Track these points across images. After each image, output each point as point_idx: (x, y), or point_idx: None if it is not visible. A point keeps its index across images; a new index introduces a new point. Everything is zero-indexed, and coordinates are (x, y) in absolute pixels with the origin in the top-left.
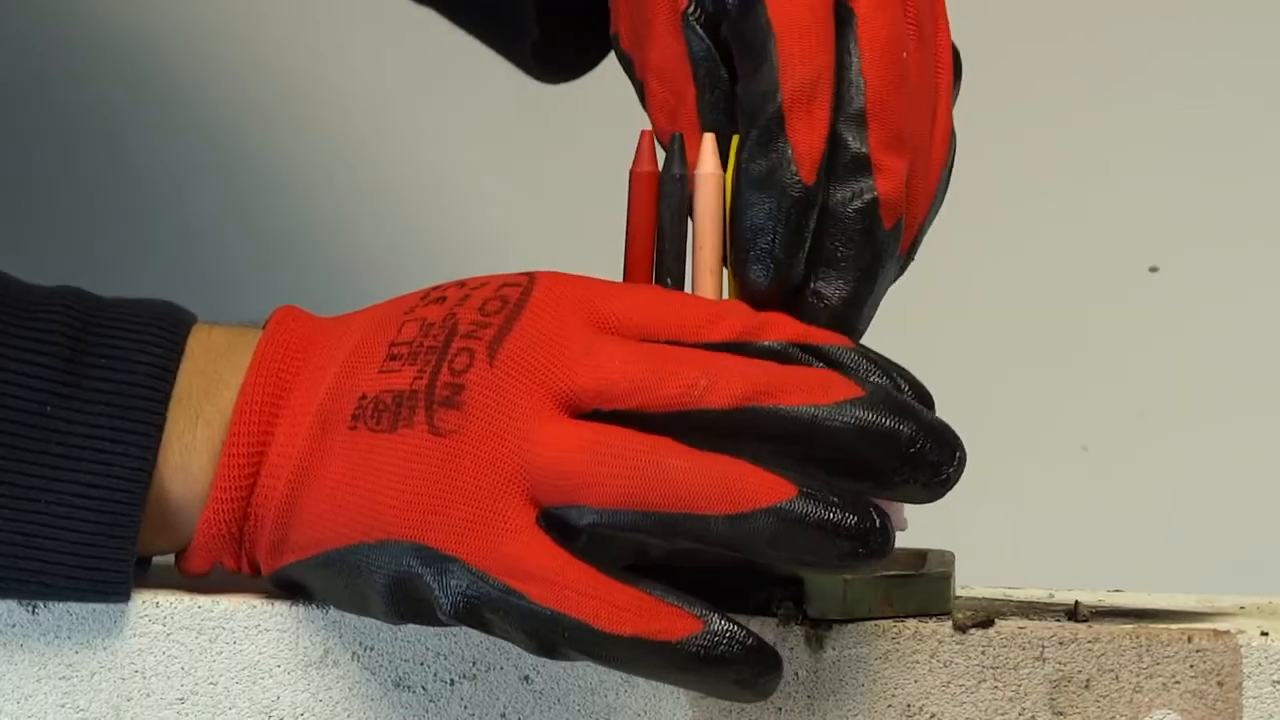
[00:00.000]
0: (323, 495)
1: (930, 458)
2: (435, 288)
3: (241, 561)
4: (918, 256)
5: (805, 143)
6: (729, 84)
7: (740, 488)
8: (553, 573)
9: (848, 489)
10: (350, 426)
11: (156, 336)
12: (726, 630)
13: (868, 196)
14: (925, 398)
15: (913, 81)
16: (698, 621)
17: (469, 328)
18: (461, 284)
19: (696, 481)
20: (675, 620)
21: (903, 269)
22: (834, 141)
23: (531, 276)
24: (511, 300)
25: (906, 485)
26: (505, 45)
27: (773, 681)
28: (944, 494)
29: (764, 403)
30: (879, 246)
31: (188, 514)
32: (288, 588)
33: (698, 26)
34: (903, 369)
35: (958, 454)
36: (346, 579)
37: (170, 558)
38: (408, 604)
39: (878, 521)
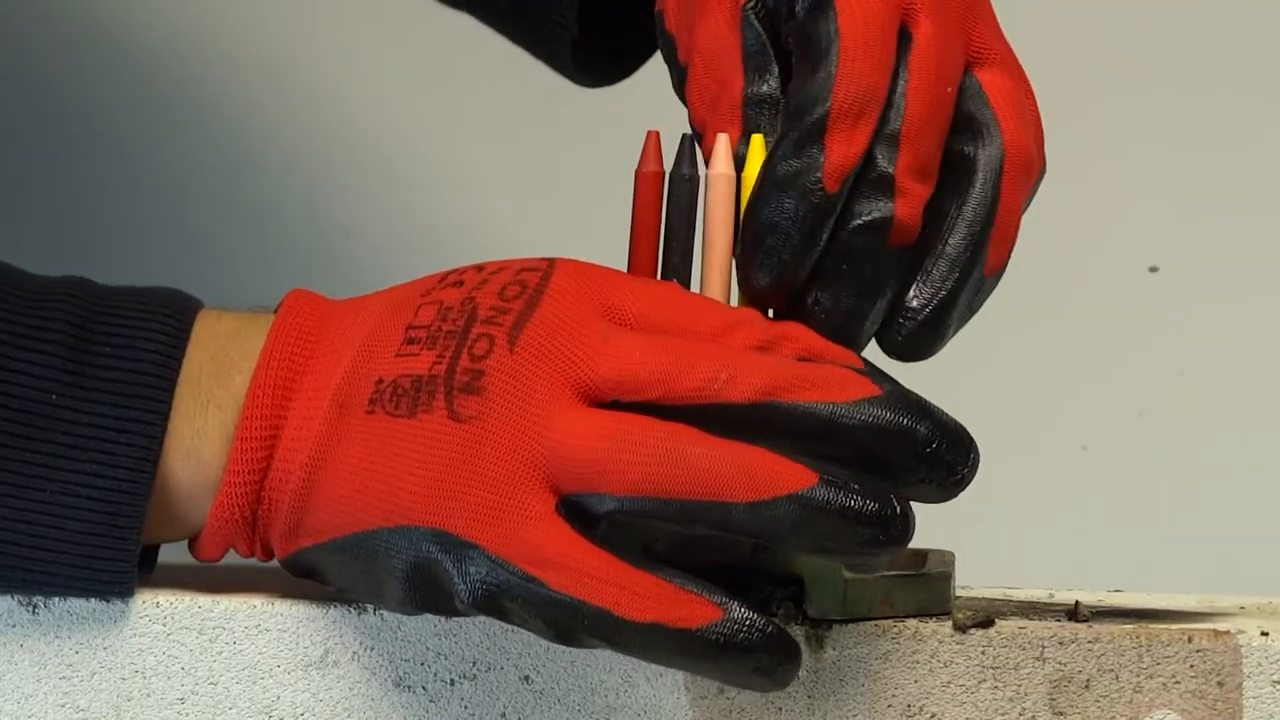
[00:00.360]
0: (341, 479)
1: (946, 457)
2: (453, 271)
3: (255, 547)
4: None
5: (840, 154)
6: (778, 82)
7: (762, 474)
8: (572, 560)
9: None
10: (368, 411)
11: (163, 323)
12: (746, 618)
13: (882, 215)
14: None
15: (1007, 108)
16: (718, 609)
17: (488, 313)
18: (480, 267)
19: (719, 468)
20: (695, 607)
21: (990, 289)
22: (864, 157)
23: (551, 262)
24: (531, 285)
25: (922, 484)
26: (542, 45)
27: (792, 670)
28: (958, 494)
29: (783, 398)
30: (883, 265)
31: (198, 501)
32: (302, 573)
33: (756, 20)
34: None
35: (972, 455)
36: (363, 564)
37: (171, 558)
38: (425, 591)
39: (898, 508)
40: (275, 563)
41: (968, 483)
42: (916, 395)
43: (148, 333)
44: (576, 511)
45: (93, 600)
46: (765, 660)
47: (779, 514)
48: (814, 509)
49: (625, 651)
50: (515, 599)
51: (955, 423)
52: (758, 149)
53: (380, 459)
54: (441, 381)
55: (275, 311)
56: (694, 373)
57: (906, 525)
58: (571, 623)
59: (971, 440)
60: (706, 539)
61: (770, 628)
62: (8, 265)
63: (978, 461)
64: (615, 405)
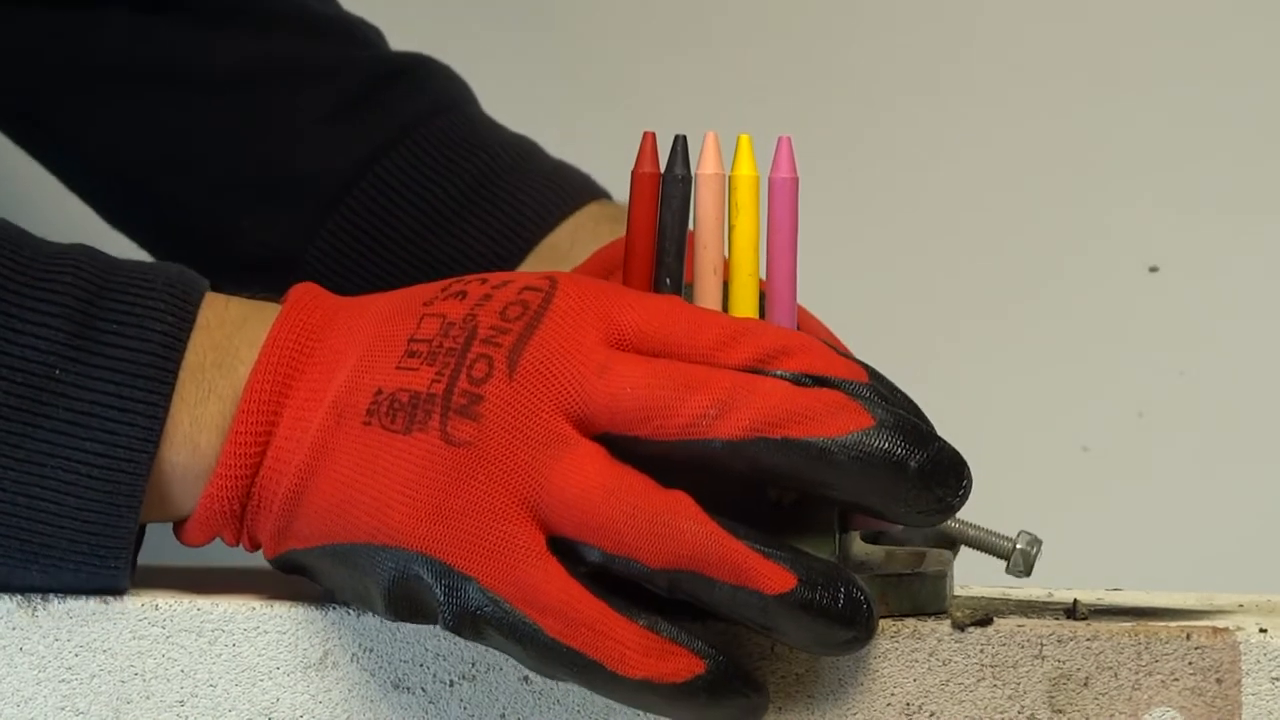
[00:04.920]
0: (331, 490)
1: (936, 490)
2: (457, 280)
3: (242, 538)
4: (918, 255)
5: None
6: None
7: (746, 570)
8: (568, 607)
9: (844, 577)
10: (364, 422)
11: (169, 304)
12: (727, 669)
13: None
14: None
15: None
16: (700, 661)
17: (488, 332)
18: (484, 279)
19: (711, 549)
20: (681, 661)
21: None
22: None
23: (553, 281)
24: (532, 306)
25: (910, 513)
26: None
27: (763, 713)
28: (945, 520)
29: (772, 434)
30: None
31: (190, 486)
32: (291, 571)
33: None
34: (913, 404)
35: (964, 484)
36: (349, 572)
37: (171, 559)
38: (405, 605)
39: (865, 614)
40: (262, 556)
41: (957, 510)
42: (912, 421)
43: (154, 313)
44: (563, 549)
45: (92, 601)
46: (742, 706)
47: (755, 602)
48: (791, 607)
49: (605, 696)
50: (506, 634)
51: (949, 452)
52: (746, 148)
53: (370, 474)
54: (439, 401)
55: (281, 303)
56: (685, 409)
57: (870, 634)
58: (561, 668)
59: (964, 468)
60: None
61: (747, 676)
62: (17, 229)
63: (969, 489)
64: (607, 437)
